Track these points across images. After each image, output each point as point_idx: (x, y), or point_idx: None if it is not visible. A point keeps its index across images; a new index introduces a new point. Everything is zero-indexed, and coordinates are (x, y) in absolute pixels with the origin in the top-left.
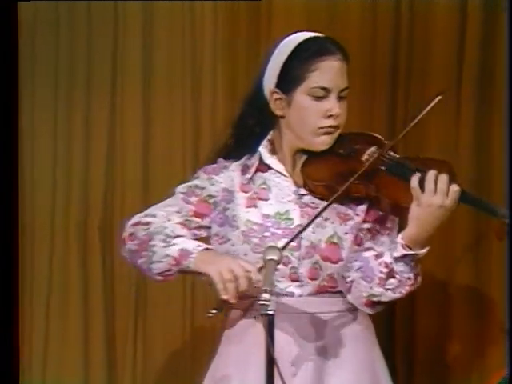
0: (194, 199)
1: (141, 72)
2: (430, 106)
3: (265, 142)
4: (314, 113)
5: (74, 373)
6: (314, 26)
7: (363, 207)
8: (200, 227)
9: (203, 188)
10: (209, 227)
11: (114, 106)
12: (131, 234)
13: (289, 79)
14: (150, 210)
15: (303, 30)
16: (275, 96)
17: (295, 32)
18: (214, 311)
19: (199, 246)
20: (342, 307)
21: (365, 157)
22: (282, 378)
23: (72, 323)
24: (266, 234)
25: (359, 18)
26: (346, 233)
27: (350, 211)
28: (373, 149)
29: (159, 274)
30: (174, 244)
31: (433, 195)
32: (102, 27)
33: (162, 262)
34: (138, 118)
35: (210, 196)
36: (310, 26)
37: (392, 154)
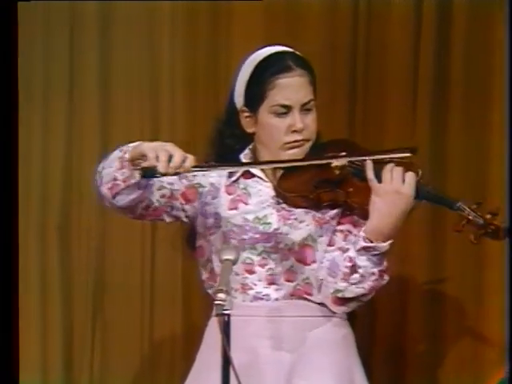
0: (184, 182)
1: (98, 72)
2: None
3: (246, 151)
4: (278, 129)
5: (31, 375)
6: (272, 27)
7: (338, 211)
8: (182, 209)
9: (195, 176)
10: (187, 213)
11: (72, 106)
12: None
13: (252, 98)
14: None
15: (262, 32)
16: (245, 114)
17: (263, 46)
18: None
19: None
20: (320, 313)
21: (335, 163)
22: (237, 378)
23: (30, 324)
24: (245, 236)
25: (318, 19)
26: (321, 236)
27: (325, 215)
28: (342, 154)
29: (106, 184)
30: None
31: (389, 183)
32: (58, 27)
33: (108, 180)
34: (96, 118)
35: (200, 185)
36: (269, 27)
37: (361, 160)
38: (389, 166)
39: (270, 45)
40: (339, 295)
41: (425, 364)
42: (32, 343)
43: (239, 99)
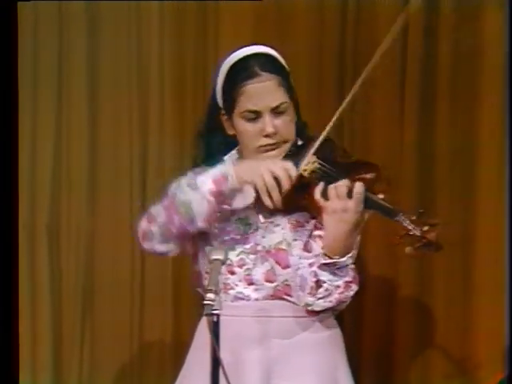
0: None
1: (86, 72)
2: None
3: (233, 152)
4: (251, 134)
5: (21, 374)
6: (260, 26)
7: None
8: None
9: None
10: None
11: (60, 107)
12: (149, 218)
13: (226, 103)
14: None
15: (250, 32)
16: (224, 118)
17: (242, 45)
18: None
19: (224, 167)
20: (304, 313)
21: (302, 167)
22: (226, 378)
23: (19, 324)
24: (226, 237)
25: (306, 19)
26: (295, 239)
27: (301, 219)
28: (313, 158)
29: (204, 220)
30: (201, 182)
31: (335, 201)
32: (47, 27)
33: (202, 204)
34: (85, 118)
35: None
36: (257, 26)
37: (329, 166)
38: (336, 184)
39: (253, 44)
40: (309, 309)
41: (412, 364)
42: (21, 343)
43: (219, 101)
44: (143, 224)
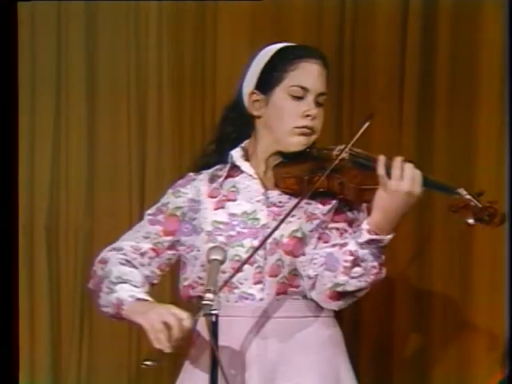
0: (161, 217)
1: (85, 72)
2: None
3: (238, 148)
4: (291, 112)
5: (20, 375)
6: (258, 27)
7: (330, 207)
8: (173, 245)
9: (168, 203)
10: (177, 245)
11: (59, 107)
12: (94, 272)
13: (268, 79)
14: (119, 241)
15: (248, 32)
16: (254, 97)
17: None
18: (148, 362)
19: (132, 296)
20: (307, 313)
21: (335, 153)
22: (225, 378)
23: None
24: (232, 232)
25: (304, 19)
26: (311, 231)
27: (316, 211)
28: (341, 146)
29: (111, 316)
30: (113, 291)
31: (400, 181)
32: (45, 27)
33: (108, 307)
34: (83, 117)
35: (177, 208)
36: (255, 27)
37: (359, 150)
38: (398, 162)
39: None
40: (339, 289)
41: (412, 361)
42: (20, 343)
43: (251, 82)
44: (96, 263)
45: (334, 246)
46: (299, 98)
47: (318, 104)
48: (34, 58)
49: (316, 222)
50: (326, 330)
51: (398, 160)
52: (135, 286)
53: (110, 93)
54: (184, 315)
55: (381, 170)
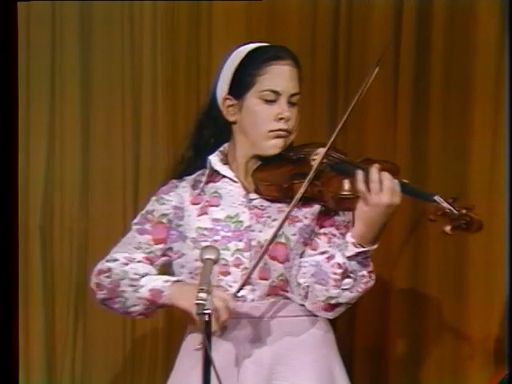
0: (148, 226)
1: (79, 73)
2: (369, 80)
3: (216, 152)
4: (265, 116)
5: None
6: (253, 26)
7: (312, 210)
8: (165, 252)
9: (153, 210)
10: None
11: (53, 107)
12: (98, 285)
13: (240, 84)
14: (110, 254)
15: (243, 32)
16: (227, 103)
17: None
18: (199, 346)
19: (167, 281)
20: (299, 312)
21: (313, 157)
22: (218, 378)
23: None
24: (217, 237)
25: (299, 19)
26: (294, 234)
27: (298, 213)
28: (320, 150)
29: (140, 314)
30: (141, 286)
31: (380, 195)
32: (40, 26)
33: (137, 305)
34: (78, 117)
35: (163, 215)
36: (250, 26)
37: (338, 154)
38: (375, 174)
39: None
40: (332, 302)
41: (406, 363)
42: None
43: (224, 87)
44: (94, 278)
45: (322, 253)
46: (272, 102)
47: (291, 104)
48: (28, 58)
49: (299, 224)
50: (319, 329)
51: (374, 172)
52: (157, 275)
53: (104, 93)
54: (228, 297)
55: (361, 186)
